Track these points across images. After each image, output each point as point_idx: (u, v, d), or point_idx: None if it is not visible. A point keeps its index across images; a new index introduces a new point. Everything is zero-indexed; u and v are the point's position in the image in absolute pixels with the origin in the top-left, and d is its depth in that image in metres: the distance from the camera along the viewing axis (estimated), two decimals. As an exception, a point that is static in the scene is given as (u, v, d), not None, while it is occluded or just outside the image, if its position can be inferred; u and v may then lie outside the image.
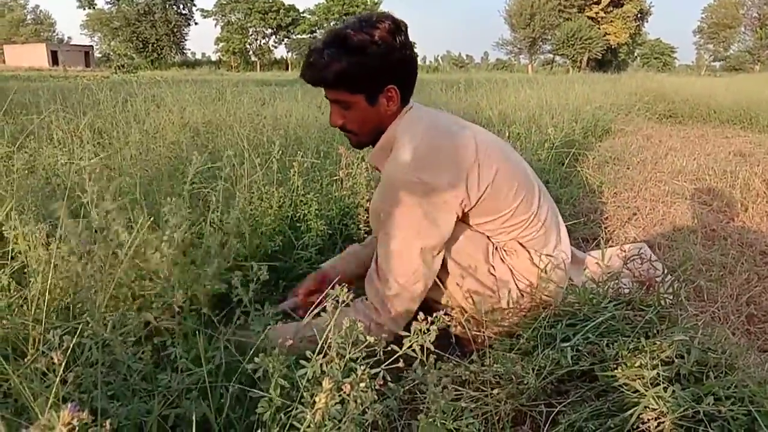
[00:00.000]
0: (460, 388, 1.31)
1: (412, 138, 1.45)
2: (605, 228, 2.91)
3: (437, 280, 1.52)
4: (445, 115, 1.66)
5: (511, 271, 1.59)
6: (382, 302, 1.43)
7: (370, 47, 1.36)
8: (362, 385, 0.84)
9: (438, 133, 1.49)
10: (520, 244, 1.61)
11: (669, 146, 5.61)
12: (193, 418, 0.83)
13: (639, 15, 59.49)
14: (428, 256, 1.44)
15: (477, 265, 1.56)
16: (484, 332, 1.54)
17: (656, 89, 10.64)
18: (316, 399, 0.74)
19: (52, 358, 0.67)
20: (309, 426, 0.75)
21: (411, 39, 1.46)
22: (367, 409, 0.82)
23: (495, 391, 1.29)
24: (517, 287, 1.59)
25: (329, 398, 0.75)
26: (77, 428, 0.62)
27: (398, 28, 1.40)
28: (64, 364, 0.68)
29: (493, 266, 1.58)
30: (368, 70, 1.38)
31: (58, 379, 0.68)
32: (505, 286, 1.58)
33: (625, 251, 1.78)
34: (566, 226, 2.88)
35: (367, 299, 1.48)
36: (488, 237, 1.59)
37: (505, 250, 1.61)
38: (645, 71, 24.92)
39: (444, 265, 1.52)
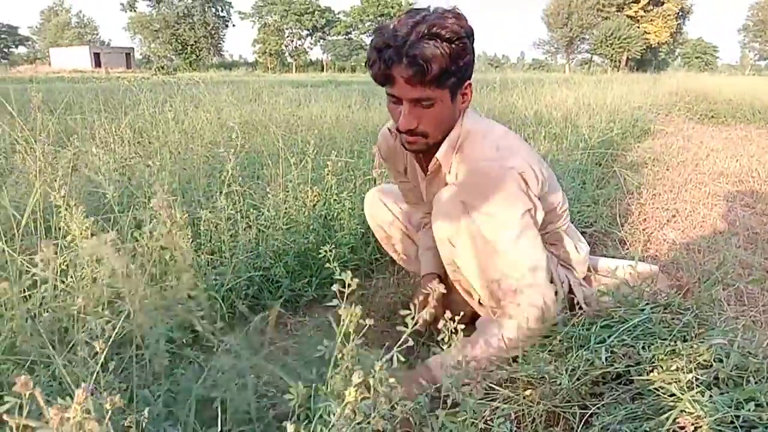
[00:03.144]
0: (494, 387, 1.30)
1: (487, 132, 1.42)
2: (643, 230, 2.86)
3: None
4: None
5: (558, 262, 1.62)
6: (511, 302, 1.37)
7: (463, 38, 1.28)
8: (391, 380, 0.85)
9: (504, 127, 1.49)
10: (565, 232, 1.63)
11: (710, 147, 5.47)
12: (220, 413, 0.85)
13: (680, 13, 58.09)
14: (539, 242, 1.40)
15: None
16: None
17: (697, 89, 10.40)
18: (346, 393, 0.75)
19: (94, 347, 0.70)
20: (339, 419, 0.75)
21: None
22: (396, 405, 0.83)
23: (527, 392, 1.28)
24: (567, 278, 1.62)
25: (358, 393, 0.76)
26: (113, 413, 0.64)
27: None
28: (105, 352, 0.70)
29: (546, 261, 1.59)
30: (463, 61, 1.30)
31: (98, 366, 0.70)
32: (558, 280, 1.59)
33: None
34: (603, 227, 2.85)
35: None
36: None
37: (549, 242, 1.61)
38: (686, 71, 24.33)
39: None
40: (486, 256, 1.36)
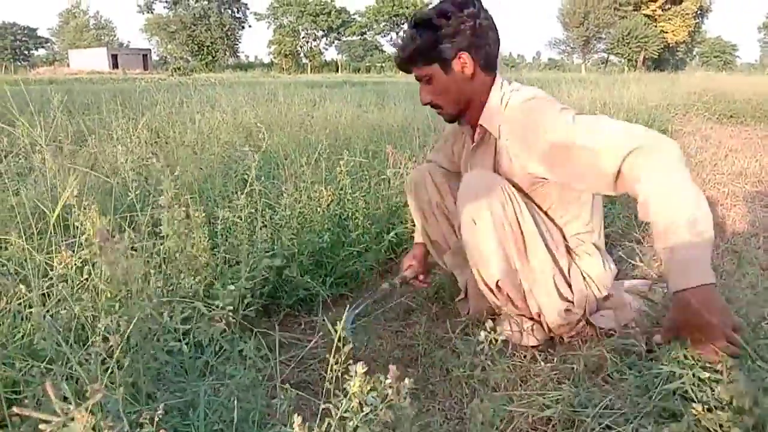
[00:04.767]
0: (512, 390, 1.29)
1: (526, 92, 1.51)
2: (660, 231, 2.82)
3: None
4: None
5: (583, 275, 1.55)
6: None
7: (435, 20, 1.47)
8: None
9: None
10: (595, 245, 1.58)
11: (729, 147, 5.39)
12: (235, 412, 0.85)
13: (699, 12, 57.34)
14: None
15: (561, 261, 1.52)
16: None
17: (716, 88, 10.25)
18: (350, 384, 0.74)
19: (109, 343, 0.70)
20: (346, 411, 0.75)
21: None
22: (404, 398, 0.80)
23: (551, 394, 1.27)
24: (593, 294, 1.56)
25: (364, 384, 0.74)
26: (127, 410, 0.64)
27: (467, 1, 1.47)
28: (119, 349, 0.70)
29: (569, 267, 1.54)
30: (435, 39, 1.47)
31: (114, 361, 0.70)
32: (579, 291, 1.54)
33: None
34: (620, 227, 2.82)
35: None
36: (564, 236, 1.56)
37: (577, 254, 1.56)
38: (704, 70, 24.06)
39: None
40: (577, 165, 1.35)
